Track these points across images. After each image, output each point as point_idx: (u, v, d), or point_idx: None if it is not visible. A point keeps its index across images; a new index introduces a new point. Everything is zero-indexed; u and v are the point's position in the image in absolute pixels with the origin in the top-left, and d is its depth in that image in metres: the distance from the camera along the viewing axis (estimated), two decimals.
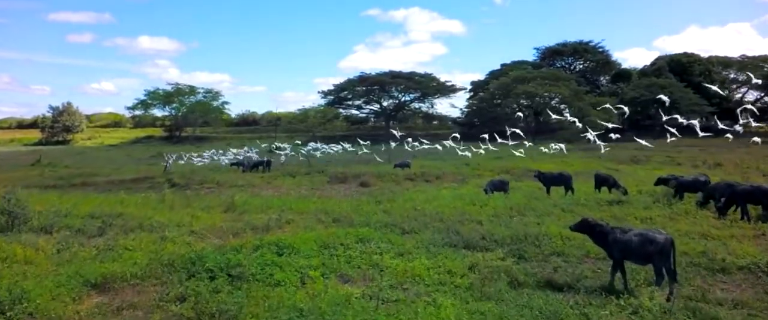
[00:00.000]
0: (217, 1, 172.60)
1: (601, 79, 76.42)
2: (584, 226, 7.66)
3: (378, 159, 32.13)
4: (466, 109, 73.40)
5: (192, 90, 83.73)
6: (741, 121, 20.43)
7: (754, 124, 22.51)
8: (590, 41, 74.62)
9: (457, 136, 33.05)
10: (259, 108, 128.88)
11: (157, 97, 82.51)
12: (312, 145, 40.51)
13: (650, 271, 7.34)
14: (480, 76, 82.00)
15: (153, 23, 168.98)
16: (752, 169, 23.60)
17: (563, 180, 16.65)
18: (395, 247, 9.45)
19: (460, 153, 30.62)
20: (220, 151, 43.63)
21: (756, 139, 20.04)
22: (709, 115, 48.42)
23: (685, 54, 65.75)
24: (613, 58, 76.48)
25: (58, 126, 79.64)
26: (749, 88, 64.75)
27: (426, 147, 35.32)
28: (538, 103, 61.18)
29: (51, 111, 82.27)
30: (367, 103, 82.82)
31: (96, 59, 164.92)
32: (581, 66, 76.70)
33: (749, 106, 23.99)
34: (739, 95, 66.75)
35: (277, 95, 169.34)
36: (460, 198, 15.78)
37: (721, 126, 20.85)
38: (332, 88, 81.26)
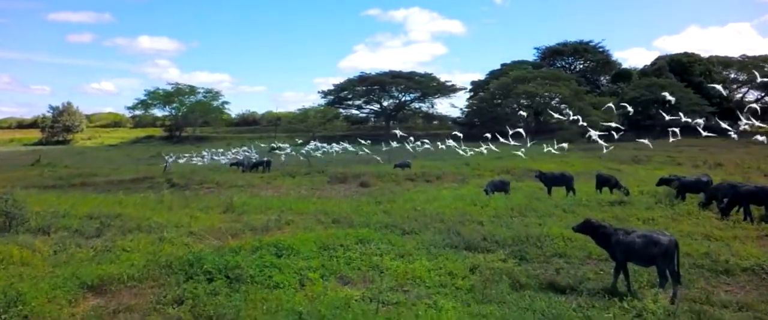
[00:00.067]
0: (217, 1, 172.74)
1: (602, 78, 76.28)
2: (587, 227, 7.57)
3: (378, 159, 32.05)
4: (466, 109, 73.28)
5: (192, 90, 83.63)
6: (744, 121, 20.29)
7: (756, 124, 22.38)
8: (590, 41, 74.59)
9: (458, 134, 32.99)
10: (259, 108, 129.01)
11: (157, 97, 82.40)
12: (313, 144, 40.44)
13: (653, 273, 7.26)
14: (480, 76, 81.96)
15: (153, 23, 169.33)
16: (753, 169, 23.56)
17: (564, 181, 16.56)
18: (395, 248, 9.37)
19: (460, 152, 30.57)
20: (220, 150, 43.55)
21: (762, 138, 19.91)
22: (709, 115, 48.31)
23: (686, 54, 65.64)
24: (614, 58, 76.42)
25: (58, 126, 79.55)
26: (750, 87, 64.70)
27: (427, 147, 35.24)
28: (538, 103, 61.06)
29: (51, 111, 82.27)
30: (367, 103, 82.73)
31: (96, 59, 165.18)
32: (581, 66, 76.56)
33: (754, 105, 23.87)
34: (740, 95, 66.70)
35: (277, 95, 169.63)
36: (461, 198, 15.70)
37: (724, 126, 20.72)
38: (332, 88, 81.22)
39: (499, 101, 63.69)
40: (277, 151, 41.08)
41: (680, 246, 7.25)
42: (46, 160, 41.31)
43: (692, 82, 58.70)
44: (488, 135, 30.17)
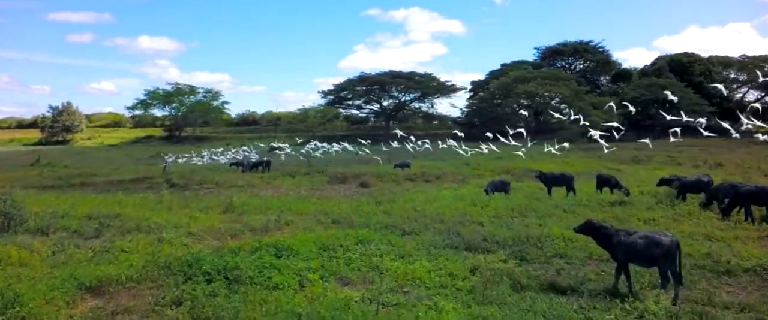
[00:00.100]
0: (217, 1, 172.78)
1: (602, 78, 76.23)
2: (588, 228, 7.52)
3: (378, 159, 32.02)
4: (466, 109, 73.26)
5: (192, 90, 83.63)
6: (746, 121, 20.24)
7: (758, 123, 22.33)
8: (590, 41, 74.56)
9: (459, 134, 33.02)
10: (259, 108, 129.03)
11: (157, 97, 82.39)
12: (313, 144, 40.41)
13: (655, 274, 7.22)
14: (480, 76, 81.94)
15: (153, 23, 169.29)
16: (753, 169, 23.50)
17: (565, 181, 16.51)
18: (395, 249, 9.32)
19: (460, 151, 30.56)
20: (219, 150, 43.51)
21: (765, 137, 19.88)
22: (709, 115, 48.29)
23: (686, 54, 65.57)
24: (614, 58, 76.39)
25: (57, 126, 79.51)
26: (750, 87, 64.65)
27: (427, 147, 35.24)
28: (538, 102, 61.02)
29: (51, 111, 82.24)
30: (367, 103, 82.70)
31: (96, 59, 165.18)
32: (581, 66, 76.52)
33: (756, 105, 23.87)
34: (740, 95, 66.64)
35: (277, 95, 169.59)
36: (461, 198, 15.66)
37: (726, 126, 20.69)
38: (332, 88, 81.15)
39: (499, 101, 63.65)
40: (277, 151, 41.05)
41: (682, 247, 7.21)
42: (46, 160, 41.28)
43: (692, 82, 58.64)
44: (489, 135, 30.17)
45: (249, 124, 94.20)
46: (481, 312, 6.32)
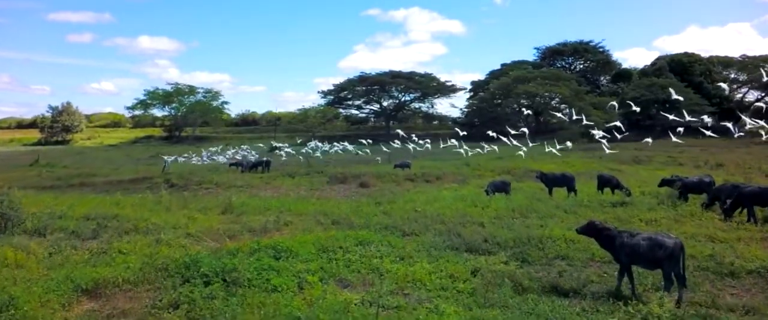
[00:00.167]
0: (217, 1, 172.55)
1: (602, 78, 76.16)
2: (591, 229, 7.43)
3: (378, 159, 31.94)
4: (466, 109, 73.22)
5: (192, 90, 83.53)
6: (749, 121, 20.18)
7: (761, 123, 22.28)
8: (590, 41, 74.51)
9: (459, 132, 33.03)
10: (259, 108, 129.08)
11: (156, 97, 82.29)
12: (313, 144, 40.34)
13: (658, 276, 7.13)
14: (480, 76, 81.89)
15: (153, 23, 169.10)
16: (754, 170, 23.41)
17: (566, 181, 16.43)
18: (395, 251, 9.24)
19: (461, 151, 30.50)
20: (217, 150, 43.45)
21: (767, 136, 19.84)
22: (710, 114, 48.21)
23: (686, 54, 65.44)
24: (614, 58, 76.38)
25: (57, 126, 79.41)
26: (750, 87, 64.55)
27: (428, 147, 35.19)
28: (538, 103, 60.95)
29: (50, 111, 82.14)
30: (367, 103, 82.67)
31: (96, 59, 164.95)
32: (581, 66, 76.46)
33: (760, 104, 23.86)
34: (740, 95, 66.58)
35: (277, 95, 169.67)
36: (461, 199, 15.57)
37: (730, 126, 20.64)
38: (332, 88, 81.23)
39: (499, 101, 63.60)
40: (277, 151, 40.99)
41: (685, 248, 7.13)
42: (45, 160, 41.22)
43: (692, 82, 58.53)
44: (493, 134, 30.11)
45: (249, 124, 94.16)
46: (482, 314, 6.24)
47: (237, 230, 11.40)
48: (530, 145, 29.22)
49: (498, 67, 76.97)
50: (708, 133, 20.76)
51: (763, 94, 62.68)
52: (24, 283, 7.16)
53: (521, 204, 13.84)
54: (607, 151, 25.07)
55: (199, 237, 10.69)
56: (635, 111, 33.50)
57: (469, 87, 79.27)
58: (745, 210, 11.56)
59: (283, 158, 36.50)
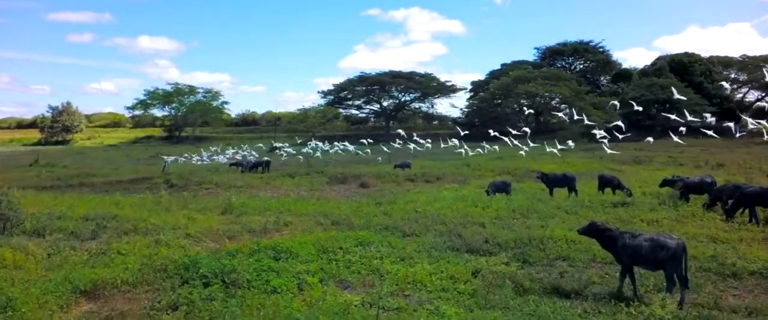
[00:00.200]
0: (217, 1, 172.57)
1: (602, 78, 76.09)
2: (592, 230, 7.39)
3: (378, 159, 31.89)
4: (466, 109, 73.22)
5: (192, 90, 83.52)
6: (751, 121, 20.16)
7: (763, 123, 22.28)
8: (590, 41, 74.45)
9: (462, 132, 33.07)
10: (259, 108, 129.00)
11: (156, 97, 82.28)
12: (313, 144, 40.29)
13: (660, 277, 7.09)
14: (480, 76, 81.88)
15: (153, 23, 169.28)
16: (755, 170, 23.35)
17: (567, 182, 16.38)
18: (396, 251, 9.19)
19: (461, 151, 30.46)
20: (216, 150, 43.43)
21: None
22: (710, 114, 48.17)
23: (686, 54, 65.36)
24: (614, 58, 76.30)
25: (57, 126, 79.39)
26: (750, 88, 64.50)
27: (428, 147, 35.16)
28: (538, 103, 60.89)
29: (50, 111, 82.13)
30: (367, 103, 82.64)
31: (96, 59, 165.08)
32: (582, 66, 76.41)
33: (762, 104, 23.87)
34: (740, 95, 66.52)
35: (277, 95, 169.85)
36: (462, 199, 15.52)
37: (732, 126, 20.63)
38: (332, 88, 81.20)
39: (500, 101, 63.58)
40: (277, 151, 40.94)
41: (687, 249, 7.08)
42: (45, 160, 41.18)
43: (692, 82, 58.46)
44: (495, 134, 30.10)
45: (249, 124, 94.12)
46: (483, 316, 6.19)
47: (236, 231, 11.34)
48: (531, 145, 29.17)
49: (498, 67, 77.06)
50: (709, 132, 20.73)
51: (763, 94, 62.64)
52: (22, 284, 7.12)
53: (522, 205, 13.79)
54: (608, 151, 25.04)
55: (199, 237, 10.64)
56: (636, 111, 33.50)
57: (469, 87, 79.39)
58: (747, 211, 11.51)
59: (283, 158, 36.46)
